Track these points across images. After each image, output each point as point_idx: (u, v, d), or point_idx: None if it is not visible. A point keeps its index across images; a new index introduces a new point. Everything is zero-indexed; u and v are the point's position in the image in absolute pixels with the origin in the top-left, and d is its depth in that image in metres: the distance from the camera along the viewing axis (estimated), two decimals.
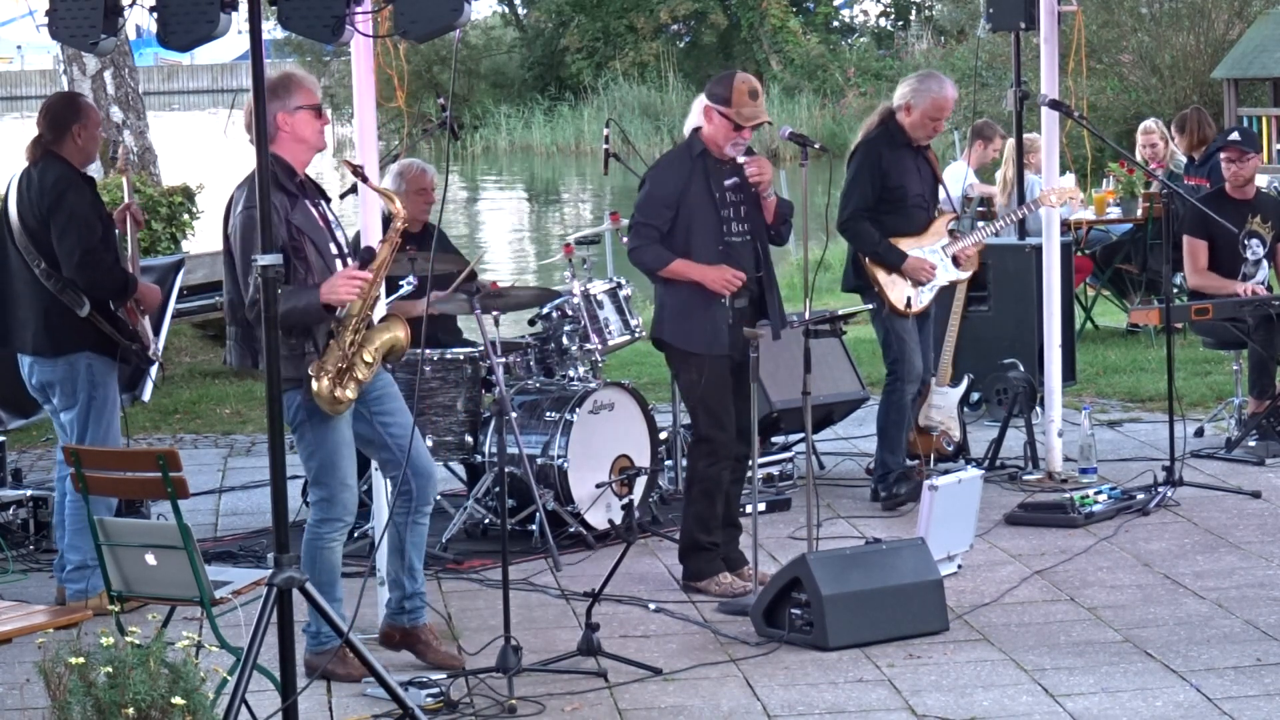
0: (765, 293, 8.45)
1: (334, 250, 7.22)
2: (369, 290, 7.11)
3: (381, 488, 7.74)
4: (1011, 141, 13.31)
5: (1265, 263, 11.28)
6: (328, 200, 7.38)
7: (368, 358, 7.14)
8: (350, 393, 7.11)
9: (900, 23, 48.77)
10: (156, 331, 8.92)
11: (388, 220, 7.42)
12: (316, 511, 7.27)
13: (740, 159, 8.28)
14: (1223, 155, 11.40)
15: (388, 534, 7.46)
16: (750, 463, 8.43)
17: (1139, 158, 14.59)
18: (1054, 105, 10.32)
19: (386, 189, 7.41)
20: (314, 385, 7.05)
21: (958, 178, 13.77)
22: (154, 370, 8.95)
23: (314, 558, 7.23)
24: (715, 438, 8.34)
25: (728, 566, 8.47)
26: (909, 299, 9.72)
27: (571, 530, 9.29)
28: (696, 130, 8.36)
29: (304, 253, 7.09)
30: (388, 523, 7.42)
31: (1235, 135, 11.66)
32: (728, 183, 8.33)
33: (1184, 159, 14.31)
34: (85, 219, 8.20)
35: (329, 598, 7.16)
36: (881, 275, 9.73)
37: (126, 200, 8.80)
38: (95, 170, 9.05)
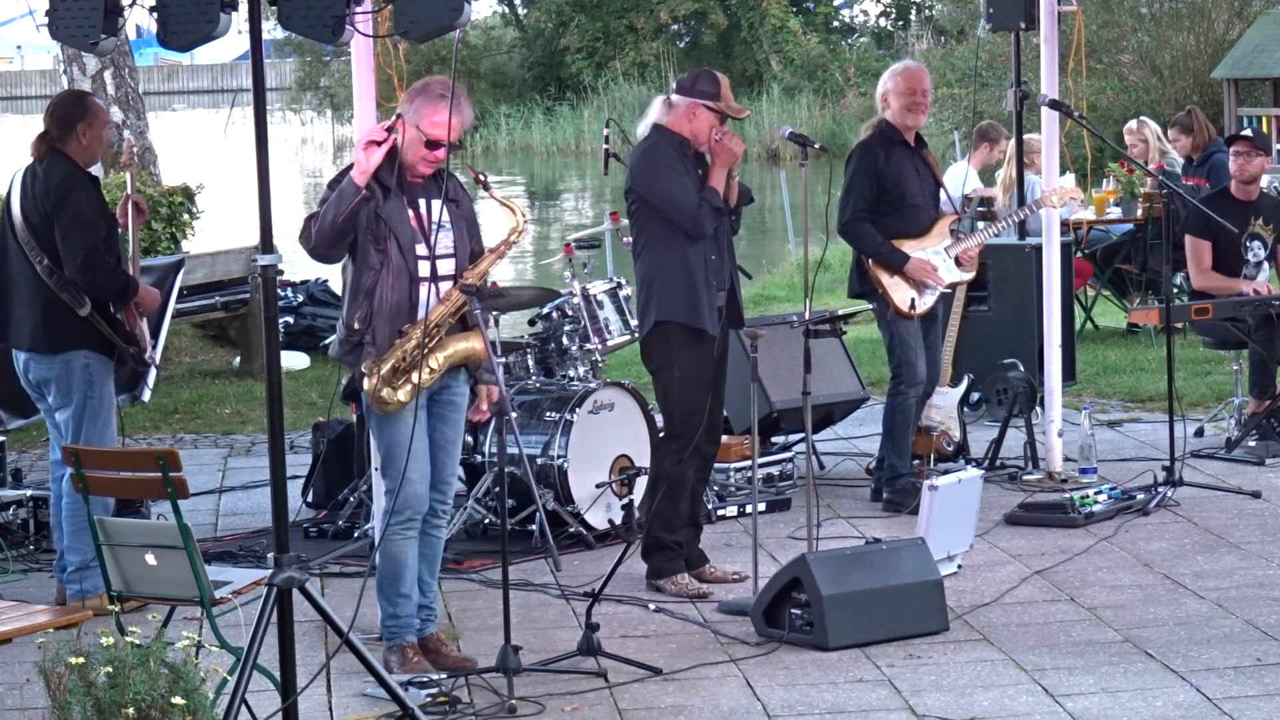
0: (734, 287, 8.56)
1: (421, 251, 7.19)
2: (458, 302, 7.18)
3: (381, 489, 7.72)
4: (1012, 142, 13.31)
5: (1266, 265, 11.27)
6: (454, 202, 7.32)
7: (433, 364, 7.15)
8: (403, 395, 7.10)
9: (900, 23, 48.78)
10: (155, 334, 8.90)
11: None
12: (386, 502, 7.28)
13: (716, 136, 8.31)
14: (1232, 149, 11.33)
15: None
16: (751, 462, 8.44)
17: None
18: (1054, 105, 10.32)
19: (508, 199, 7.38)
20: (365, 383, 7.08)
21: (959, 179, 13.76)
22: (152, 372, 8.92)
23: (382, 550, 7.24)
24: (685, 436, 8.34)
25: (689, 565, 8.49)
26: (912, 300, 9.72)
27: (571, 530, 9.28)
28: (657, 126, 8.37)
29: (384, 244, 7.13)
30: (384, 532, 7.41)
31: (1248, 131, 11.64)
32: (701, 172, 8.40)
33: (1180, 159, 14.30)
34: (89, 219, 8.17)
35: (392, 592, 7.23)
36: (884, 278, 9.72)
37: (128, 192, 8.74)
38: (96, 170, 8.97)
